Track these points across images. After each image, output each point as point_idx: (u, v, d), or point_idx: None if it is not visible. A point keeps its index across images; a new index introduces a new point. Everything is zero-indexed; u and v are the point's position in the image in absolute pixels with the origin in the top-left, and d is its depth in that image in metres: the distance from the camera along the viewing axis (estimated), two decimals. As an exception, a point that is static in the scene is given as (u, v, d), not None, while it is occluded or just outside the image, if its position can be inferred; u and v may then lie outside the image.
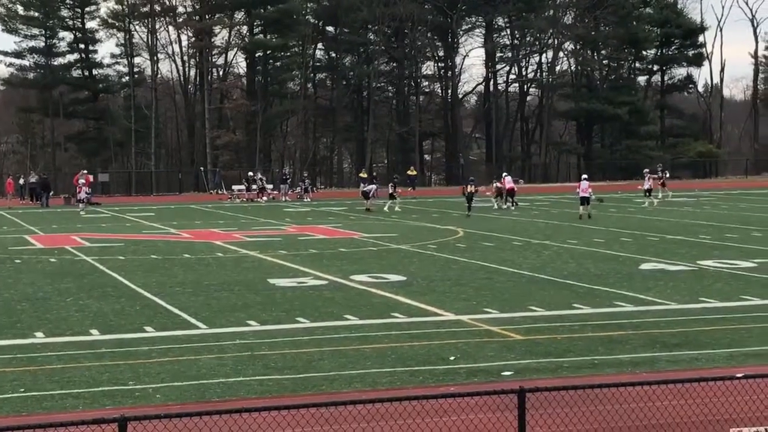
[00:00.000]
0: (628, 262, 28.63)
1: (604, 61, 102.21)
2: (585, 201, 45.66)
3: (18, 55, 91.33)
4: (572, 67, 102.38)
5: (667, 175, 58.39)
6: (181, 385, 14.26)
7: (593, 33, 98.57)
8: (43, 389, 14.08)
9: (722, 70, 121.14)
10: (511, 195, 53.92)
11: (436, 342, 17.16)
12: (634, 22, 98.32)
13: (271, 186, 69.50)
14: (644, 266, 27.53)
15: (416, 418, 10.57)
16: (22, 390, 14.04)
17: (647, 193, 54.91)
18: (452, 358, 15.88)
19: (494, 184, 56.54)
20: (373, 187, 56.78)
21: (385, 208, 51.94)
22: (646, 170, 57.34)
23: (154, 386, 14.17)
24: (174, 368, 15.28)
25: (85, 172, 66.47)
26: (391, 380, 14.48)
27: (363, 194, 55.37)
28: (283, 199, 65.68)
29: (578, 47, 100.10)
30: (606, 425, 11.18)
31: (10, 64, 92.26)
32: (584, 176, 49.27)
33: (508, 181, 54.78)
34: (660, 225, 41.15)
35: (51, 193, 64.82)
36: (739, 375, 9.91)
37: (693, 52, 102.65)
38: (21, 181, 70.61)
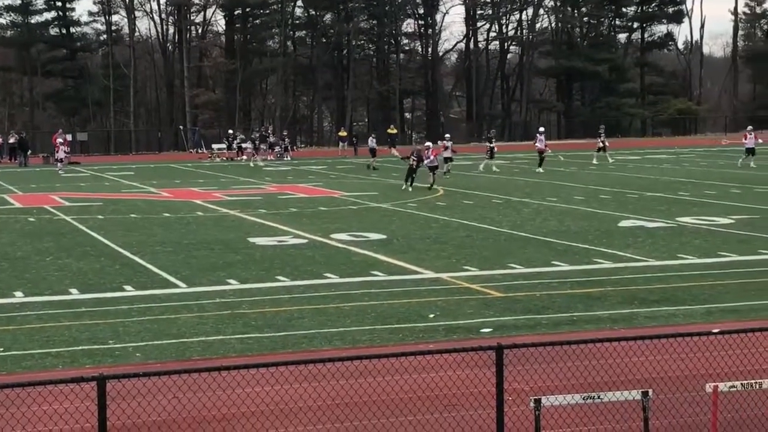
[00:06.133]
0: (607, 219, 28.73)
1: (584, 18, 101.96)
2: (752, 152, 49.66)
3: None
4: (552, 24, 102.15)
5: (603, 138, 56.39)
6: (161, 343, 14.28)
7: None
8: (22, 348, 14.07)
9: (702, 27, 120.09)
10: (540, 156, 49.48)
11: (416, 300, 17.22)
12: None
13: (250, 145, 69.14)
14: (623, 223, 27.64)
15: (395, 375, 10.64)
16: (2, 349, 14.03)
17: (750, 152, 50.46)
18: (432, 315, 15.95)
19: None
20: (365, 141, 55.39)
21: (481, 167, 49.66)
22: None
23: (134, 345, 14.19)
24: (154, 327, 15.29)
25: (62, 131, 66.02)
26: (370, 338, 14.54)
27: (370, 151, 55.02)
28: (263, 158, 65.46)
29: (558, 4, 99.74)
30: (584, 380, 11.26)
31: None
32: (750, 127, 52.18)
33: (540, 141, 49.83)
34: (639, 182, 41.27)
35: (30, 153, 64.41)
36: (715, 330, 9.99)
37: (673, 9, 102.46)
38: (-1, 141, 70.13)
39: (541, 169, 47.92)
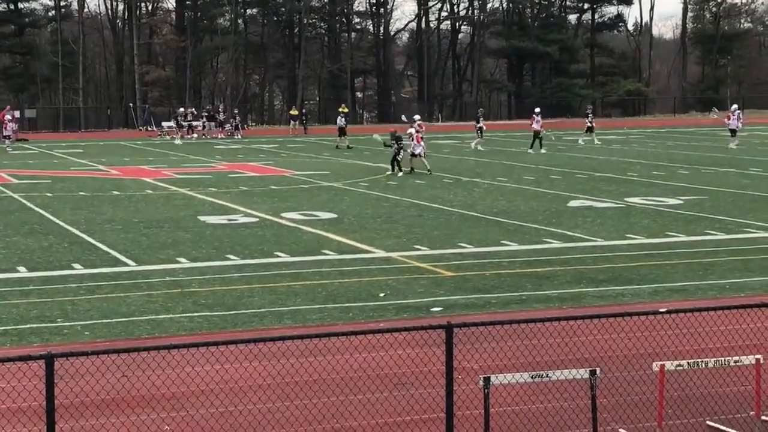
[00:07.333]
0: (557, 199, 28.92)
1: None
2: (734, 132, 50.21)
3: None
4: (504, 5, 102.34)
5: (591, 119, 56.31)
6: (109, 322, 14.19)
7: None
8: (-32, 327, 13.92)
9: (652, 8, 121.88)
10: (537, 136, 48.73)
11: (367, 279, 17.24)
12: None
13: (201, 123, 68.60)
14: (573, 203, 27.84)
15: (345, 354, 10.65)
16: (-52, 328, 13.87)
17: (732, 133, 50.97)
18: (382, 294, 15.98)
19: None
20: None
21: (478, 147, 49.84)
22: (735, 106, 56.17)
23: (82, 323, 14.08)
24: (103, 306, 15.18)
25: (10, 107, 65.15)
26: (321, 317, 14.55)
27: (339, 130, 54.50)
28: (216, 136, 65.03)
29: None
30: (532, 359, 11.35)
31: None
32: (714, 109, 53.70)
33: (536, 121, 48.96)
34: (589, 163, 41.56)
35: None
36: (662, 310, 10.08)
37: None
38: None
39: (543, 150, 47.41)
